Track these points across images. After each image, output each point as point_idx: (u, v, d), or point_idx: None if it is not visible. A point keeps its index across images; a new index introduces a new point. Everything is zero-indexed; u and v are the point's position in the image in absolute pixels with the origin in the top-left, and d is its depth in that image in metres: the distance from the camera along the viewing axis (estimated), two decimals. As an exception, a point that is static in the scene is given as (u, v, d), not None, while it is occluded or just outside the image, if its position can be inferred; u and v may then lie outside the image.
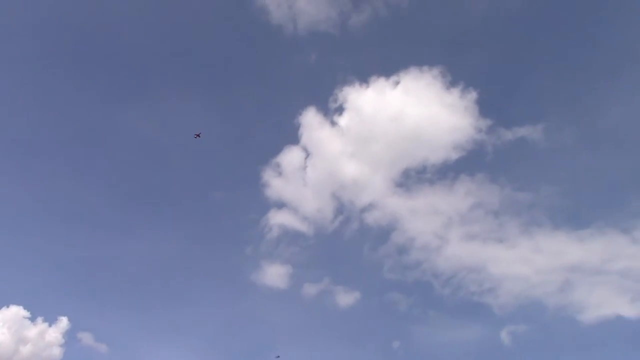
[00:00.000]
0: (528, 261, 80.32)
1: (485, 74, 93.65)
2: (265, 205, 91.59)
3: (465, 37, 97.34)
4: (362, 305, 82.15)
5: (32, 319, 73.54)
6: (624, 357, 68.46)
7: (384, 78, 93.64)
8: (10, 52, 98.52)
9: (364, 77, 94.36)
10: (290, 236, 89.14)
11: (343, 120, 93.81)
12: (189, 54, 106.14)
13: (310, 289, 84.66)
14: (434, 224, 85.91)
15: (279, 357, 70.27)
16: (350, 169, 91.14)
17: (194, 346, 79.12)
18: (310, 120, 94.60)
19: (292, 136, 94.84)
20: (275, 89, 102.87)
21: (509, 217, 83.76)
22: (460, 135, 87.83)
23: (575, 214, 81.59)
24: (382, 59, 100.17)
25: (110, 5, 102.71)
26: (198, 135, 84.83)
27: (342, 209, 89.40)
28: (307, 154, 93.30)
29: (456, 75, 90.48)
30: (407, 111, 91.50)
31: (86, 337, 77.70)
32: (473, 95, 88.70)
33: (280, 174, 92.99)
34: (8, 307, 72.88)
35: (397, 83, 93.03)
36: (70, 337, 75.83)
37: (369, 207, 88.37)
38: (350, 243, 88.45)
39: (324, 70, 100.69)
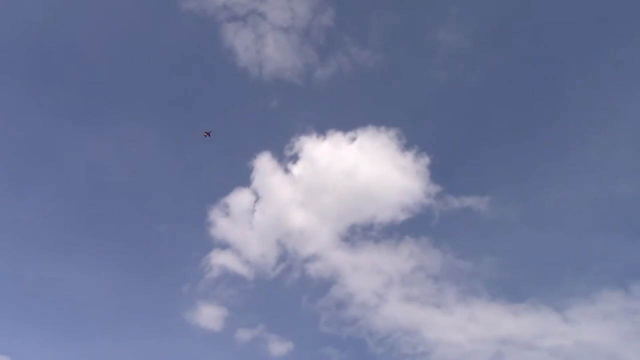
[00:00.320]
0: (463, 329, 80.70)
1: (440, 141, 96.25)
2: (209, 244, 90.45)
3: (425, 104, 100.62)
4: (294, 356, 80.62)
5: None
6: None
7: (341, 133, 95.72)
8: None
9: (322, 129, 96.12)
10: (229, 278, 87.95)
11: (296, 169, 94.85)
12: (152, 83, 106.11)
13: (244, 334, 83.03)
14: (374, 282, 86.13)
15: None
16: (298, 218, 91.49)
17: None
18: (264, 164, 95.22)
19: (244, 178, 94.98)
20: (233, 129, 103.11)
21: (448, 283, 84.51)
22: (409, 197, 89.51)
23: (511, 288, 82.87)
24: (341, 114, 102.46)
25: (79, 24, 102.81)
26: (208, 134, 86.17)
27: (285, 256, 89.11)
28: (257, 198, 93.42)
29: (412, 139, 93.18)
30: (360, 168, 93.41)
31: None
32: (426, 160, 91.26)
33: (227, 214, 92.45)
34: None
35: (353, 139, 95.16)
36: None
37: (313, 257, 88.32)
38: (289, 292, 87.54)
39: (284, 117, 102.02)
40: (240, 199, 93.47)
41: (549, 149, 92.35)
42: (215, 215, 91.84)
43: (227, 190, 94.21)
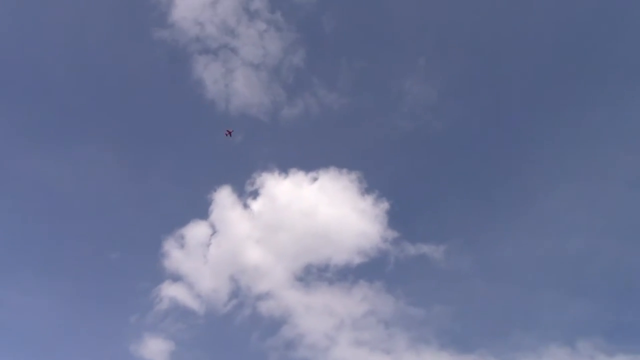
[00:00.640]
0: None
1: (400, 188, 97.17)
2: (161, 275, 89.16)
3: (388, 150, 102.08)
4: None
5: None
6: None
7: (303, 172, 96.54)
8: None
9: (284, 167, 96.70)
10: (179, 311, 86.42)
11: (256, 205, 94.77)
12: (117, 108, 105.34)
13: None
14: (326, 324, 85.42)
15: None
16: (254, 255, 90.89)
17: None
18: (224, 198, 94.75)
19: (201, 211, 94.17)
20: (195, 161, 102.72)
21: (399, 329, 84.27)
22: (366, 241, 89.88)
23: (461, 338, 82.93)
24: (304, 154, 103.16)
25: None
26: (230, 133, 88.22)
27: (237, 292, 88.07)
28: (214, 232, 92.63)
29: (372, 184, 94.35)
30: (320, 208, 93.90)
31: None
32: (385, 205, 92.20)
33: (182, 246, 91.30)
34: None
35: (315, 179, 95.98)
36: None
37: (265, 295, 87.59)
38: (239, 329, 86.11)
39: (247, 152, 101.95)
40: (196, 231, 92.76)
41: (506, 203, 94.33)
42: (170, 246, 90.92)
43: (184, 221, 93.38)
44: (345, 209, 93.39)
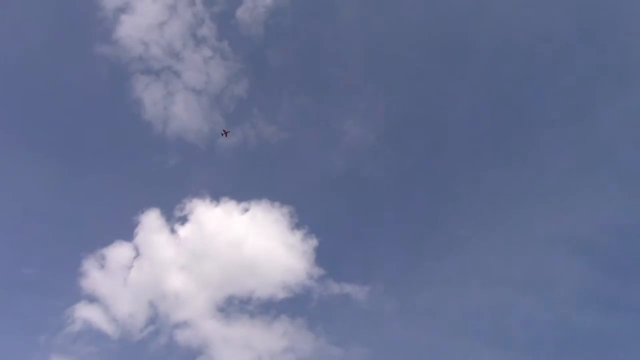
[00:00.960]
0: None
1: (330, 226, 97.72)
2: (76, 295, 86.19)
3: (321, 188, 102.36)
4: None
5: None
6: None
7: (235, 202, 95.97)
8: None
9: (216, 195, 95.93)
10: (92, 334, 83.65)
11: (183, 231, 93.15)
12: (48, 120, 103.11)
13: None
14: (243, 357, 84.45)
15: None
16: (176, 281, 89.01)
17: None
18: (151, 221, 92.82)
19: (126, 232, 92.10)
20: (125, 180, 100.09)
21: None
22: (292, 277, 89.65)
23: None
24: (238, 184, 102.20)
25: None
26: (226, 134, 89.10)
27: (155, 319, 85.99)
28: (137, 254, 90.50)
29: (303, 220, 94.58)
30: (248, 240, 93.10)
31: None
32: (314, 242, 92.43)
33: (102, 266, 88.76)
34: None
35: (246, 210, 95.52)
36: None
37: (184, 324, 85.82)
38: (153, 356, 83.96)
39: (180, 177, 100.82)
40: (119, 252, 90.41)
41: (431, 250, 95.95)
42: (90, 265, 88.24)
43: (107, 241, 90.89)
44: (273, 242, 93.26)
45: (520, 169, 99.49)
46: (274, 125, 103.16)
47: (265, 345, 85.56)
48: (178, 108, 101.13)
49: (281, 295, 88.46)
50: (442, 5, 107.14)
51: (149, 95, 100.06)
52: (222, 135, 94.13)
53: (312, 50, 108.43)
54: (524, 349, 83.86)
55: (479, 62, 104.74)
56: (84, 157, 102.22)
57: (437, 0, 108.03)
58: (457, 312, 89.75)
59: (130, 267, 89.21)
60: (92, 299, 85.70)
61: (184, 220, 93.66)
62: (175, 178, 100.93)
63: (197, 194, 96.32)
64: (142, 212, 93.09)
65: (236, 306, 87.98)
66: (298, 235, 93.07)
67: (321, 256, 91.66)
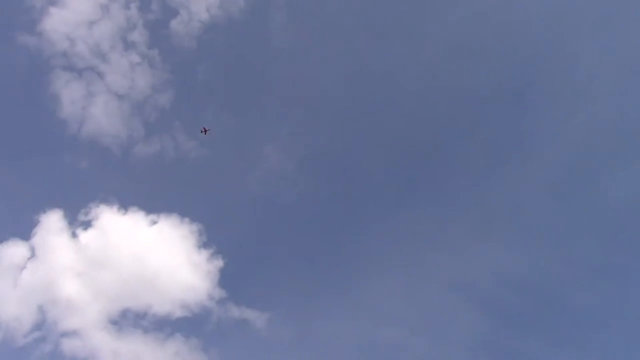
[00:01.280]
0: None
1: (238, 249, 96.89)
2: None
3: (234, 210, 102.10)
4: None
5: None
6: None
7: (144, 213, 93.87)
8: None
9: (125, 204, 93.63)
10: (-31, 336, 78.67)
11: (85, 237, 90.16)
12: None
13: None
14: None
15: None
16: (70, 288, 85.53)
17: None
18: (52, 223, 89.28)
19: (24, 230, 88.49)
20: (30, 176, 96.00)
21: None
22: (192, 296, 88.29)
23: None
24: (149, 195, 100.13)
25: None
26: (205, 131, 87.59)
27: (42, 325, 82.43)
28: (32, 255, 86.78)
29: (211, 239, 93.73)
30: (152, 253, 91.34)
31: None
32: (219, 263, 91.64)
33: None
34: None
35: (154, 222, 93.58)
36: None
37: (72, 333, 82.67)
38: (34, 364, 79.99)
39: (89, 181, 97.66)
40: (12, 251, 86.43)
41: (334, 282, 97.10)
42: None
43: (0, 237, 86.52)
44: (178, 258, 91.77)
45: (430, 214, 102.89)
46: (194, 140, 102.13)
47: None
48: (97, 110, 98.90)
49: (179, 313, 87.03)
50: (374, 42, 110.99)
51: (68, 92, 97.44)
52: (202, 132, 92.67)
53: (242, 71, 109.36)
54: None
55: (401, 102, 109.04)
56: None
57: (369, 38, 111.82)
58: (350, 347, 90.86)
59: (22, 268, 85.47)
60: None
61: (87, 225, 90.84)
62: (84, 181, 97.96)
63: (105, 200, 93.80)
64: (44, 212, 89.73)
65: (130, 320, 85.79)
66: (204, 254, 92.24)
67: (225, 278, 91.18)
